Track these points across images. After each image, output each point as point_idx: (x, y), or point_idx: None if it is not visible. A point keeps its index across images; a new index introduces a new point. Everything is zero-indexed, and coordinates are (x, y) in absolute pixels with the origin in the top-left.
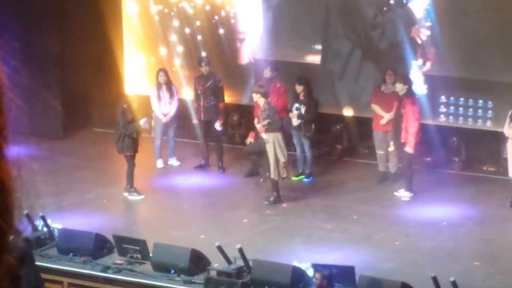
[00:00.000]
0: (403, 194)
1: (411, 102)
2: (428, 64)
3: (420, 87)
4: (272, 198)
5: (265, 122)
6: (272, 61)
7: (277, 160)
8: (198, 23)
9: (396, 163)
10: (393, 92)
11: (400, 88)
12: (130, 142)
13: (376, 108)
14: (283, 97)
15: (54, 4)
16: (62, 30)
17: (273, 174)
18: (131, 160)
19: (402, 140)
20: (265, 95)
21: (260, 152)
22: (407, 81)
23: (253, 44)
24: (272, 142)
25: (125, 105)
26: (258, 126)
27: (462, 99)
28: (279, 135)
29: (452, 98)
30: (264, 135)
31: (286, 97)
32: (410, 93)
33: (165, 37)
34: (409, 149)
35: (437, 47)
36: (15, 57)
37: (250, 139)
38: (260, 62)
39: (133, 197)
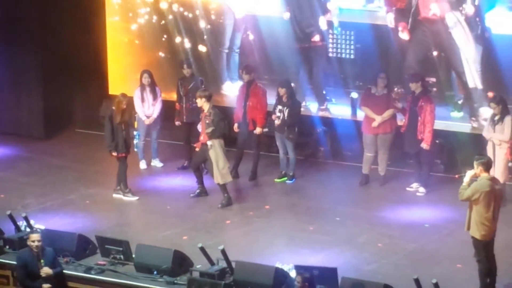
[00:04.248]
0: (419, 188)
1: (428, 100)
2: None
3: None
4: (224, 201)
5: (209, 130)
6: (246, 65)
7: (221, 164)
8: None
9: (386, 166)
10: (384, 95)
11: (414, 87)
12: (122, 143)
13: (367, 110)
14: (262, 100)
15: (36, 6)
16: (44, 30)
17: (217, 179)
18: (123, 161)
19: (419, 138)
20: (209, 99)
21: (205, 160)
22: (418, 79)
23: None
24: (217, 147)
25: (113, 107)
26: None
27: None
28: (221, 141)
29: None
30: (208, 142)
31: (265, 99)
32: (425, 91)
33: (150, 38)
34: (425, 145)
35: None
36: None
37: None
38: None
39: (128, 198)
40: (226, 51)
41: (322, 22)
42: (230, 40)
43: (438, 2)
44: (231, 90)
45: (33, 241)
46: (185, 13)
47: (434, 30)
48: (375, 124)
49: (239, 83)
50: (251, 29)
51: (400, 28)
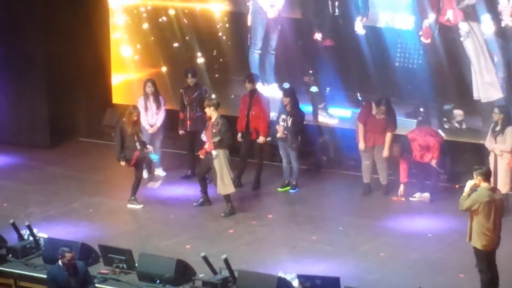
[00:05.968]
0: (423, 194)
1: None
2: None
3: None
4: (227, 210)
5: (216, 139)
6: (248, 74)
7: (224, 174)
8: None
9: (387, 175)
10: (383, 119)
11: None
12: (131, 154)
13: (361, 129)
14: (265, 109)
15: (41, 16)
16: (49, 38)
17: (220, 189)
18: (139, 170)
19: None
20: (217, 107)
21: (209, 169)
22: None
23: None
24: (222, 157)
25: (124, 119)
26: (203, 137)
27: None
28: (226, 152)
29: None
30: (213, 151)
31: (268, 108)
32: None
33: (155, 46)
34: (434, 161)
35: None
36: (2, 67)
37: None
38: None
39: (132, 206)
40: (259, 52)
41: (359, 27)
42: (262, 41)
43: (454, 9)
44: (265, 92)
45: (69, 259)
46: (191, 23)
47: (448, 36)
48: (385, 154)
49: (274, 86)
50: (286, 30)
51: (420, 33)
